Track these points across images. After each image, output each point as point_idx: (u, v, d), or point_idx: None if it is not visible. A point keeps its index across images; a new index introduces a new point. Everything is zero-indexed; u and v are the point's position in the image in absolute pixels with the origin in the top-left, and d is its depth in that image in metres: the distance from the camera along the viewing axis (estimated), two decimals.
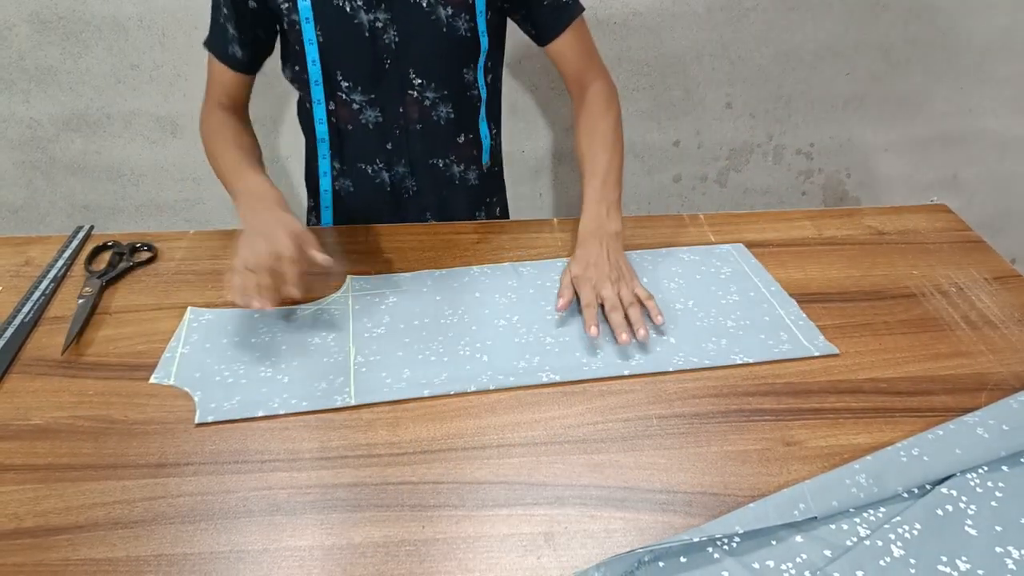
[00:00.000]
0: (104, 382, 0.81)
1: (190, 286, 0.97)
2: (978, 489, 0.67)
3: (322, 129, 1.09)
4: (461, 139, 1.12)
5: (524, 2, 1.05)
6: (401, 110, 1.07)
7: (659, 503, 0.67)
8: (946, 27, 1.60)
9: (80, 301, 0.92)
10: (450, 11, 1.00)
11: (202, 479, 0.70)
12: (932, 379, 0.81)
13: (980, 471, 0.69)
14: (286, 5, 1.00)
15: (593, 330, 0.85)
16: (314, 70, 1.03)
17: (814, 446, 0.73)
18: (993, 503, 0.66)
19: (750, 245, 1.04)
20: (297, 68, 1.06)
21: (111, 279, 0.97)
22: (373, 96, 1.06)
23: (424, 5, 1.00)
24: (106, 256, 1.02)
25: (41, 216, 1.64)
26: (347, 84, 1.05)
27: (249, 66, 1.08)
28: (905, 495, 0.67)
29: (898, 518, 0.64)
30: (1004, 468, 0.70)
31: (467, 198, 1.17)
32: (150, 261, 1.02)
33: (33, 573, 0.62)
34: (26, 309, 0.92)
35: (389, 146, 1.10)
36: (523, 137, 1.65)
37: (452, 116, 1.09)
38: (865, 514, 0.65)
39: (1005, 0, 1.58)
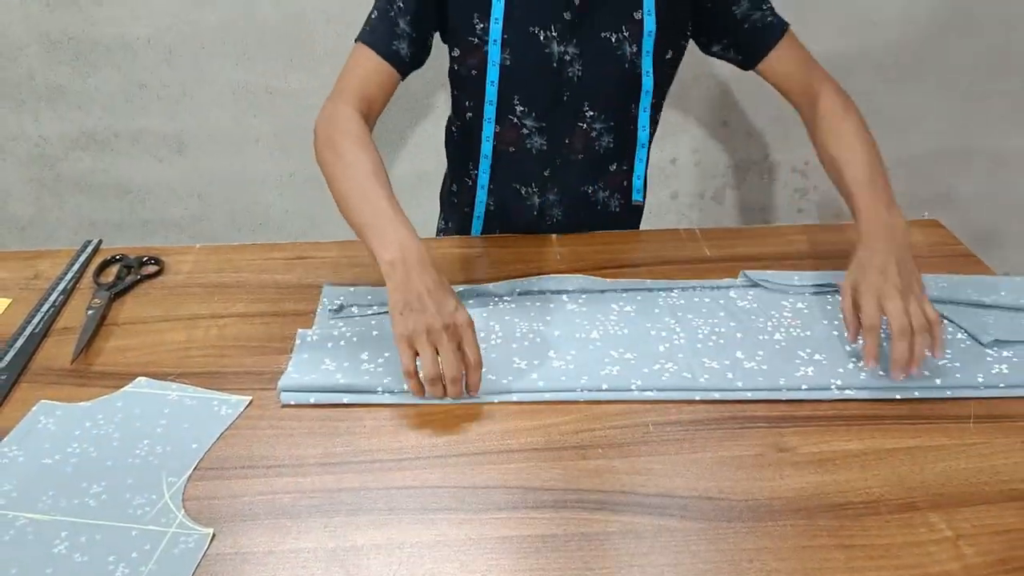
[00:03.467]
0: (113, 391, 0.83)
1: (196, 299, 0.99)
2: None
3: (487, 147, 1.10)
4: (613, 168, 1.13)
5: (724, 32, 1.06)
6: (568, 141, 1.09)
7: (655, 507, 0.69)
8: (938, 45, 1.63)
9: (89, 312, 0.94)
10: (635, 48, 1.02)
11: (208, 484, 0.72)
12: None
13: None
14: (479, 26, 1.01)
15: (872, 363, 0.81)
16: (491, 90, 1.04)
17: (806, 452, 0.75)
18: None
19: (745, 260, 1.07)
20: (472, 86, 1.06)
21: (119, 291, 0.99)
22: (544, 124, 1.08)
23: (613, 41, 1.02)
24: (114, 269, 1.04)
25: (48, 232, 1.67)
26: (522, 109, 1.07)
27: (408, 68, 1.04)
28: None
29: None
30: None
31: (606, 226, 1.17)
32: (157, 274, 1.04)
33: None
34: (36, 320, 0.94)
35: (547, 173, 1.12)
36: None
37: (612, 146, 1.11)
38: None
39: (993, 19, 1.61)
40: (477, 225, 1.18)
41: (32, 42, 1.47)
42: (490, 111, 1.07)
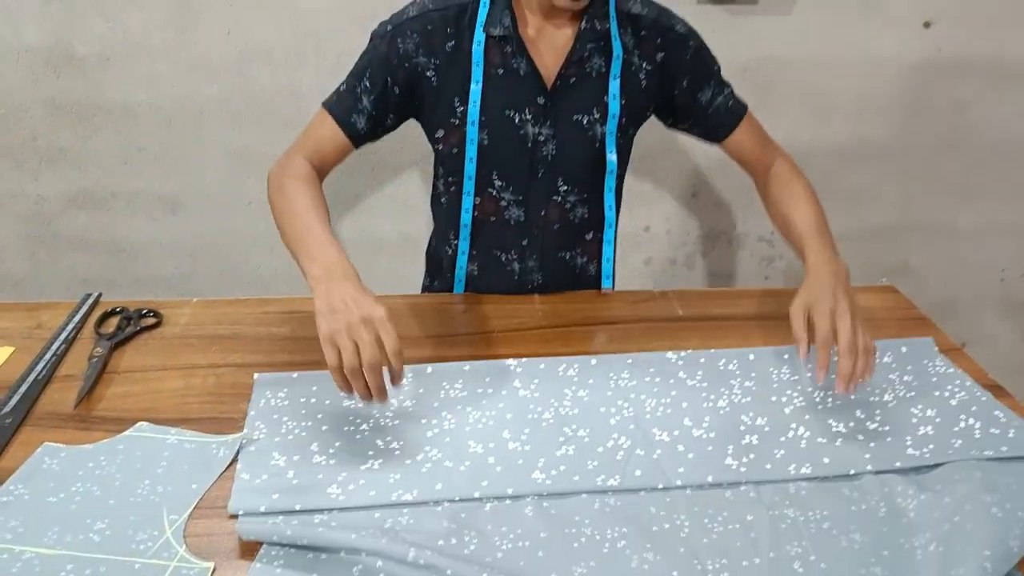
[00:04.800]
0: (115, 435, 0.87)
1: (194, 349, 1.04)
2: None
3: (467, 217, 1.18)
4: (590, 236, 1.22)
5: (689, 115, 1.18)
6: (544, 213, 1.17)
7: None
8: (895, 127, 1.76)
9: (91, 360, 0.98)
10: (603, 129, 1.12)
11: (208, 521, 0.76)
12: None
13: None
14: (459, 108, 1.10)
15: (823, 375, 0.87)
16: (470, 167, 1.13)
17: None
18: None
19: (715, 319, 1.14)
20: (452, 162, 1.14)
21: (119, 342, 1.04)
22: (521, 197, 1.16)
23: (584, 123, 1.11)
24: (114, 321, 1.09)
25: (41, 289, 1.71)
26: (500, 183, 1.15)
27: (362, 140, 1.13)
28: None
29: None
30: None
31: (584, 288, 1.24)
32: (156, 326, 1.09)
33: None
34: (39, 367, 0.98)
35: (525, 242, 1.20)
36: None
37: (586, 217, 1.19)
38: None
39: (947, 103, 1.74)
40: (459, 288, 1.25)
41: (37, 105, 1.54)
42: (469, 185, 1.15)
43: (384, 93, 1.10)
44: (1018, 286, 2.01)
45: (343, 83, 1.12)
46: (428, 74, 1.10)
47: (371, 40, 1.12)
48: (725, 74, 1.18)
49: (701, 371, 1.00)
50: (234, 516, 0.76)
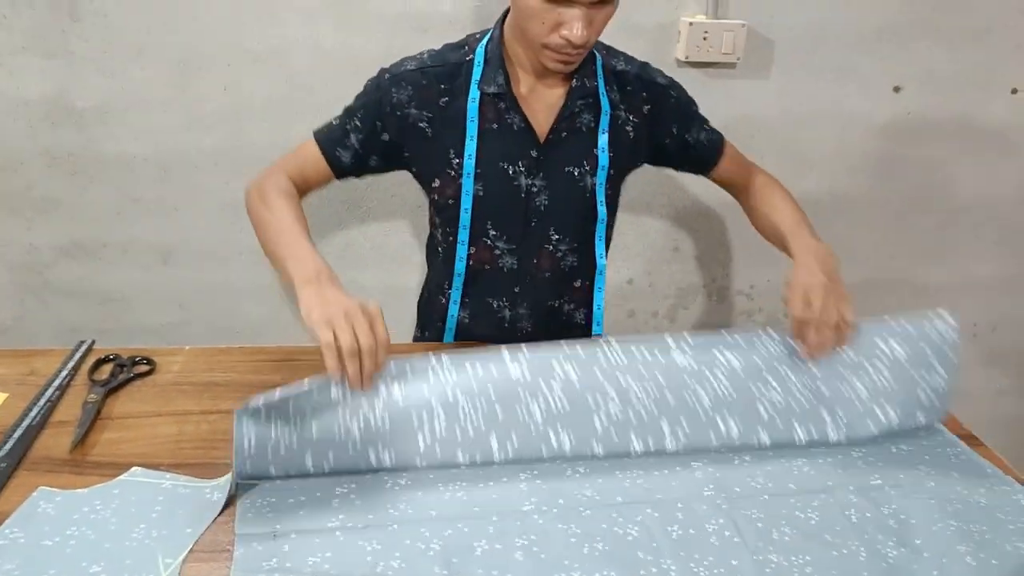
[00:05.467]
0: (109, 480, 0.88)
1: (187, 396, 1.05)
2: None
3: (461, 266, 1.21)
4: (578, 284, 1.26)
5: (679, 156, 1.27)
6: (536, 261, 1.21)
7: None
8: (869, 185, 1.83)
9: (86, 406, 1.00)
10: (593, 180, 1.18)
11: (203, 564, 0.77)
12: None
13: None
14: (455, 160, 1.15)
15: (819, 355, 0.98)
16: (465, 217, 1.17)
17: None
18: None
19: None
20: (448, 212, 1.19)
21: (113, 388, 1.05)
22: (515, 246, 1.20)
23: (575, 174, 1.17)
24: (107, 368, 1.10)
25: (29, 337, 1.71)
26: (494, 233, 1.19)
27: (343, 173, 1.20)
28: None
29: None
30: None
31: (573, 335, 1.25)
32: (149, 373, 1.10)
33: None
34: (33, 413, 0.99)
35: (517, 289, 1.23)
36: None
37: (576, 265, 1.24)
38: None
39: (917, 163, 1.81)
40: (449, 336, 1.27)
41: (34, 156, 1.57)
42: (464, 234, 1.19)
43: (371, 136, 1.16)
44: (989, 340, 2.07)
45: (336, 117, 1.19)
46: (421, 125, 1.15)
47: (368, 83, 1.18)
48: None
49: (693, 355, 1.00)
50: (228, 560, 0.77)
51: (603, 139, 1.17)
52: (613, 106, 1.17)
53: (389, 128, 1.15)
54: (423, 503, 0.87)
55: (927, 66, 1.71)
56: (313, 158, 1.18)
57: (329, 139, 1.17)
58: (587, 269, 1.25)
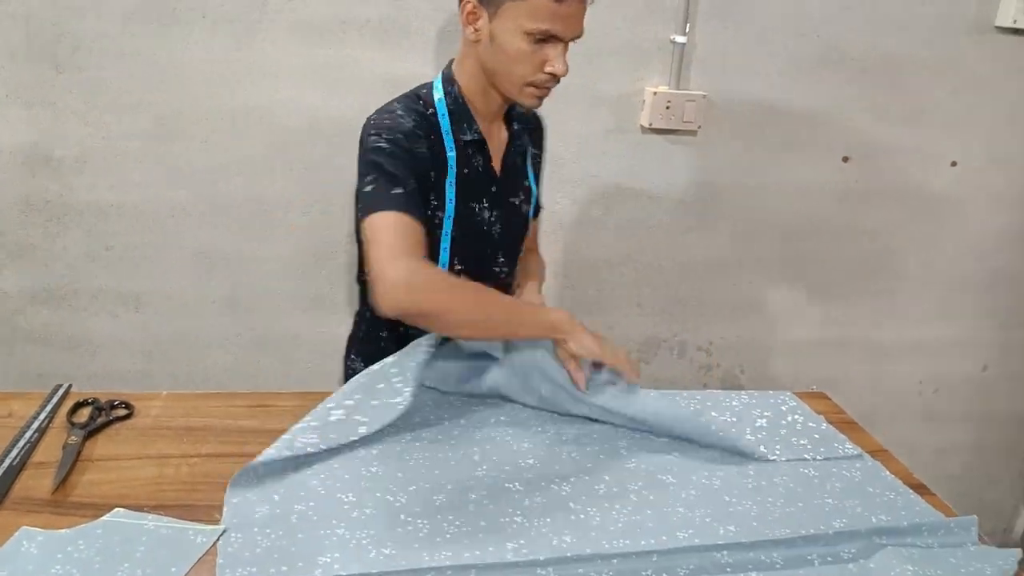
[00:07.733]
0: (92, 520, 0.89)
1: (166, 440, 1.07)
2: None
3: None
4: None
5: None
6: (485, 283, 1.24)
7: None
8: (820, 249, 1.93)
9: (66, 448, 1.01)
10: (527, 207, 1.35)
11: None
12: None
13: None
14: (435, 203, 1.21)
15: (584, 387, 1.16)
16: (444, 257, 1.25)
17: None
18: None
19: None
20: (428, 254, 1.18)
21: (92, 431, 1.07)
22: (472, 273, 1.25)
23: (518, 203, 1.32)
24: (86, 411, 1.11)
25: None
26: (460, 268, 1.27)
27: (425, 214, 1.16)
28: None
29: None
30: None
31: None
32: (127, 417, 1.12)
33: None
34: (13, 454, 1.00)
35: None
36: None
37: (509, 283, 1.38)
38: None
39: (866, 229, 1.93)
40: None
41: (10, 205, 1.58)
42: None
43: (422, 187, 1.15)
44: (932, 400, 2.18)
45: (373, 186, 1.10)
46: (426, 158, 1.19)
47: (369, 136, 1.14)
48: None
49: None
50: None
51: (529, 171, 1.34)
52: (532, 143, 1.35)
53: (419, 146, 1.15)
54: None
55: (872, 139, 1.84)
56: (415, 230, 1.09)
57: (414, 206, 1.11)
58: (510, 288, 1.39)
